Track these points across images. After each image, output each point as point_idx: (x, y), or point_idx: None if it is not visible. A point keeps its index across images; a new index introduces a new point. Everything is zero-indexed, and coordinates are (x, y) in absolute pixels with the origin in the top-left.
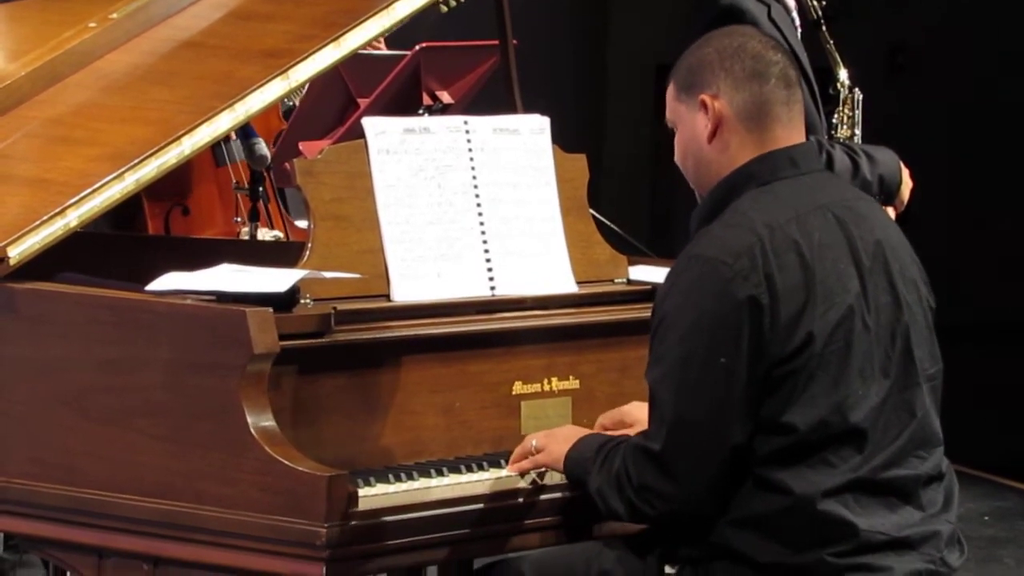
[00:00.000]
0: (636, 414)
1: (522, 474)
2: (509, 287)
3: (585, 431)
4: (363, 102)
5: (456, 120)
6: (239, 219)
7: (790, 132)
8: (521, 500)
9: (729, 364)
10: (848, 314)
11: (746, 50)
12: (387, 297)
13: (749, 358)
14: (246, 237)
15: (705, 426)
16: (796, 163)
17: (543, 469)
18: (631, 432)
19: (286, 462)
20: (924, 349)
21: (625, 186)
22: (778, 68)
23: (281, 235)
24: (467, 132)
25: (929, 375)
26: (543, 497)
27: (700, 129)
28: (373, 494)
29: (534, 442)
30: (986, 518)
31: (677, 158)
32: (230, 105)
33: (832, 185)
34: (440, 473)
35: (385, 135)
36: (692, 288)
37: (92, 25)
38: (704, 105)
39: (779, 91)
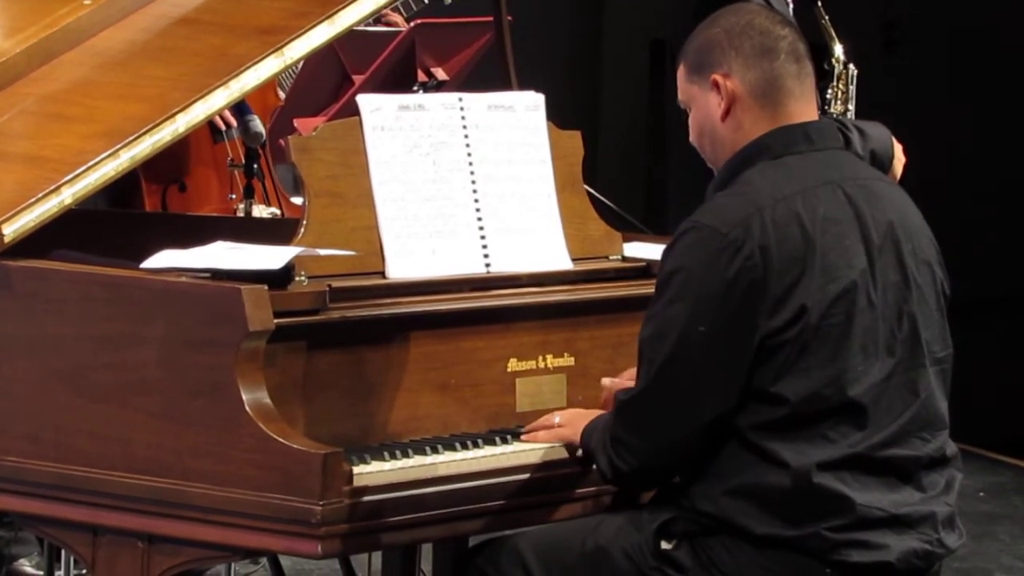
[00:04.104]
0: None
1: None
2: (504, 264)
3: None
4: (358, 79)
5: (451, 97)
6: (234, 196)
7: (804, 105)
8: (517, 477)
9: (708, 333)
10: (851, 288)
11: (754, 27)
12: (382, 274)
13: (731, 329)
14: (241, 214)
15: (678, 391)
16: (811, 138)
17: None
18: None
19: (281, 439)
20: (933, 332)
21: (620, 162)
22: (787, 43)
23: (277, 212)
24: (462, 109)
25: (938, 358)
26: (540, 475)
27: (713, 108)
28: (368, 471)
29: (557, 418)
30: (981, 494)
31: (692, 138)
32: (224, 82)
33: (848, 164)
34: (435, 450)
35: (380, 112)
36: (685, 253)
37: (87, 2)
38: (716, 84)
39: (789, 65)
